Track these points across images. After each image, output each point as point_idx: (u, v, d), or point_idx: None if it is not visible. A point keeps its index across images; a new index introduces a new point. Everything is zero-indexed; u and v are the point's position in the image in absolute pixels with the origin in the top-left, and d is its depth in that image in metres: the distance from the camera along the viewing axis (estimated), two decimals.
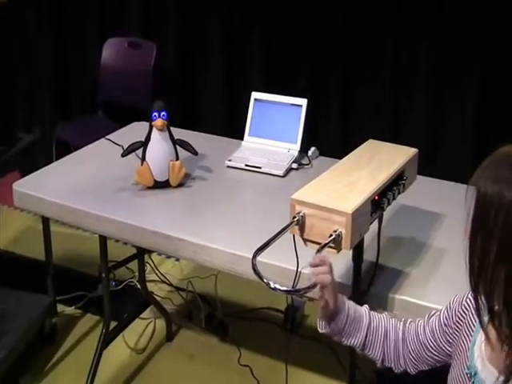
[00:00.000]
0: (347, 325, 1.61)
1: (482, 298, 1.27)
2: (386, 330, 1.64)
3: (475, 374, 1.35)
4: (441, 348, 1.55)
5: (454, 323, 1.50)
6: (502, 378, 1.28)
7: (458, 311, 1.49)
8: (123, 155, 2.70)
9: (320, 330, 1.65)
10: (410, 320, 1.66)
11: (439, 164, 3.80)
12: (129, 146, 2.70)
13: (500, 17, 3.59)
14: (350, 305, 1.63)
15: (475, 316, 1.43)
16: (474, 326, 1.43)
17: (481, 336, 1.38)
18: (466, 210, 1.25)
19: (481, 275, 1.24)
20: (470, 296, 1.46)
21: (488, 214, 1.19)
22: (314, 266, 1.56)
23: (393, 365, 1.66)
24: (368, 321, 1.63)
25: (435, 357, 1.57)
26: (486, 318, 1.29)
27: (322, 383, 3.21)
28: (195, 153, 2.75)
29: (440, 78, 3.81)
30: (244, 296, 3.78)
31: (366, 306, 1.68)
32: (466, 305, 1.47)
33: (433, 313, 1.61)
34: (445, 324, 1.53)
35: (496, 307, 1.25)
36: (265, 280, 1.60)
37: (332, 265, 1.57)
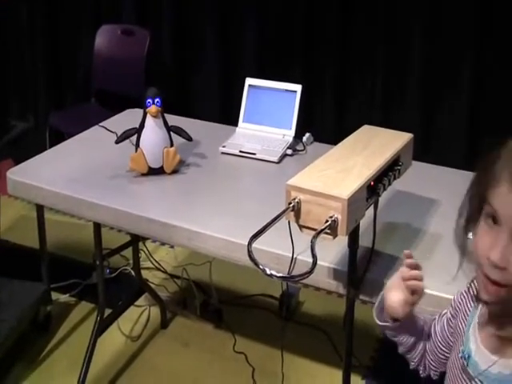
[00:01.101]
0: (409, 326, 1.59)
1: None
2: (428, 334, 1.63)
3: (469, 356, 1.35)
4: (448, 343, 1.54)
5: (455, 313, 1.50)
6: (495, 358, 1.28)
7: (457, 300, 1.49)
8: (117, 142, 2.69)
9: (378, 321, 1.61)
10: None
11: (434, 151, 3.80)
12: (123, 133, 2.69)
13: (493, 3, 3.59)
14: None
15: (471, 302, 1.43)
16: (469, 310, 1.43)
17: (475, 320, 1.39)
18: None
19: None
20: (467, 285, 1.46)
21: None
22: (410, 267, 1.53)
23: (421, 368, 1.66)
24: (421, 324, 1.62)
25: (447, 354, 1.56)
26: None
27: (317, 370, 3.21)
28: (189, 139, 2.74)
29: (434, 65, 3.82)
30: (239, 283, 3.78)
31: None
32: (465, 292, 1.47)
33: (443, 312, 1.60)
34: (449, 318, 1.54)
35: None
36: (261, 266, 1.59)
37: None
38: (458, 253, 1.33)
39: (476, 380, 1.32)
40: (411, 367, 1.67)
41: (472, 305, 1.43)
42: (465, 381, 1.35)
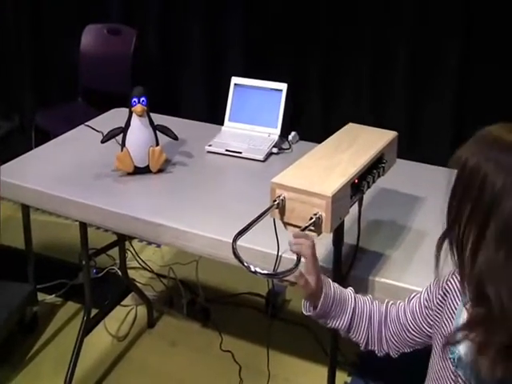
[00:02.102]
0: (333, 307, 1.61)
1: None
2: (370, 313, 1.64)
3: (459, 358, 1.35)
4: (421, 330, 1.55)
5: (434, 306, 1.50)
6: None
7: (439, 293, 1.49)
8: (103, 141, 2.69)
9: (305, 313, 1.64)
10: (391, 302, 1.67)
11: (418, 148, 3.81)
12: (108, 132, 2.69)
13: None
14: (335, 287, 1.62)
15: (457, 298, 1.43)
16: (455, 308, 1.42)
17: (463, 318, 1.38)
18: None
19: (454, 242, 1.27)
20: (450, 278, 1.46)
21: (466, 183, 1.22)
22: (296, 237, 1.56)
23: (376, 348, 1.66)
24: (353, 303, 1.63)
25: (416, 339, 1.58)
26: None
27: (303, 367, 3.22)
28: (175, 138, 2.74)
29: (419, 63, 3.82)
30: (225, 282, 3.78)
31: (350, 288, 1.68)
32: (447, 287, 1.47)
33: (413, 295, 1.61)
34: (425, 306, 1.54)
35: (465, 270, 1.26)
36: (245, 264, 1.59)
37: (315, 245, 1.57)
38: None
39: (466, 382, 1.32)
40: (362, 348, 1.68)
41: (458, 302, 1.42)
42: (453, 382, 1.35)
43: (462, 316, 1.38)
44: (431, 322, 1.52)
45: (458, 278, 1.39)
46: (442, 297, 1.47)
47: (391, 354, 1.65)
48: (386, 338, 1.64)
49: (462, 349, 1.35)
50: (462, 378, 1.34)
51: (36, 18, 4.85)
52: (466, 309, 1.36)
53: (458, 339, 1.29)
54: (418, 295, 1.58)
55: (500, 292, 1.17)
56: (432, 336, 1.51)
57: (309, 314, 1.64)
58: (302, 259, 1.56)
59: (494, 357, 1.19)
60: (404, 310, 1.61)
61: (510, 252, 1.16)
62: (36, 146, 3.07)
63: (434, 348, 1.49)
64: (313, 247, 1.55)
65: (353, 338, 1.66)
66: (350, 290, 1.66)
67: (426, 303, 1.54)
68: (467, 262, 1.23)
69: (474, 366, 1.29)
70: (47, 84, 5.00)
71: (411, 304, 1.60)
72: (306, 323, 3.38)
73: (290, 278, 1.59)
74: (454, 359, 1.36)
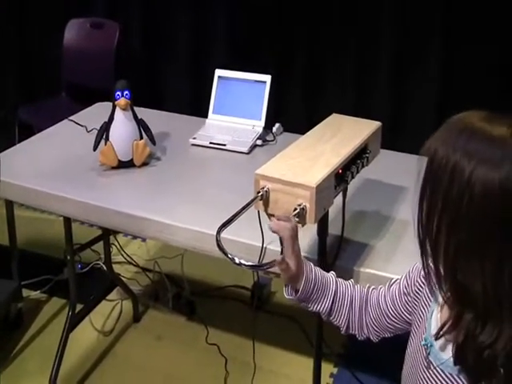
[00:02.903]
0: (314, 291, 1.60)
1: (430, 261, 1.28)
2: (351, 297, 1.64)
3: (431, 345, 1.36)
4: (401, 316, 1.56)
5: (413, 292, 1.51)
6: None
7: (417, 281, 1.50)
8: (94, 149, 2.65)
9: (286, 296, 1.63)
10: (372, 287, 1.67)
11: (402, 139, 3.82)
12: (96, 136, 2.65)
13: None
14: (317, 271, 1.62)
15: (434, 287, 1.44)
16: (431, 296, 1.44)
17: (437, 308, 1.40)
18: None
19: (426, 230, 1.27)
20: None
21: (436, 173, 1.22)
22: (278, 219, 1.56)
23: (356, 332, 1.67)
24: (335, 287, 1.63)
25: (396, 324, 1.58)
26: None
27: (289, 359, 3.22)
28: (153, 142, 2.73)
29: (402, 54, 3.83)
30: (211, 275, 3.78)
31: (332, 272, 1.68)
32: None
33: (394, 281, 1.61)
34: (404, 293, 1.54)
35: (441, 269, 1.26)
36: (229, 256, 1.59)
37: (297, 230, 1.56)
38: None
39: (437, 369, 1.33)
40: (343, 332, 1.68)
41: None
42: (426, 369, 1.36)
43: (437, 305, 1.40)
44: (410, 309, 1.53)
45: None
46: (420, 284, 1.49)
47: (371, 338, 1.66)
48: (366, 323, 1.64)
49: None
50: (433, 365, 1.34)
51: (19, 12, 4.82)
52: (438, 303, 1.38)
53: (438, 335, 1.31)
54: (398, 281, 1.59)
55: (478, 282, 1.18)
56: (411, 322, 1.52)
57: (290, 297, 1.63)
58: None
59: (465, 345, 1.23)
60: (384, 295, 1.61)
61: (483, 242, 1.16)
62: (19, 141, 3.05)
63: (411, 334, 1.50)
64: (292, 230, 1.54)
65: (334, 321, 1.66)
66: (331, 274, 1.66)
67: (405, 290, 1.54)
68: (442, 255, 1.23)
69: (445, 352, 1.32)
70: (30, 79, 4.98)
71: (391, 290, 1.60)
72: (291, 315, 3.39)
73: (275, 269, 1.58)
74: (426, 346, 1.37)
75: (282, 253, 1.54)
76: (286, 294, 1.64)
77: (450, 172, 1.18)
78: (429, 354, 1.36)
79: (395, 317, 1.57)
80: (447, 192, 1.19)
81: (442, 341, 1.34)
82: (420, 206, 1.27)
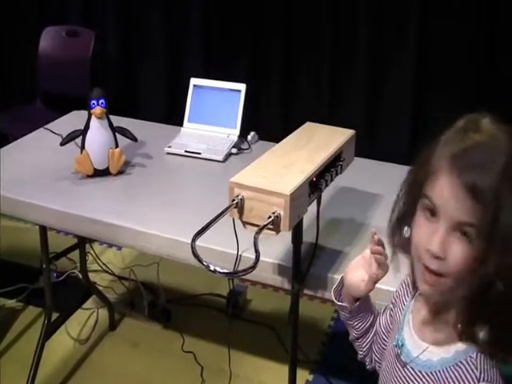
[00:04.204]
0: (365, 310, 1.62)
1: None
2: (375, 327, 1.66)
3: (402, 344, 1.39)
4: (389, 333, 1.58)
5: (393, 304, 1.54)
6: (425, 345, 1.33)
7: (396, 292, 1.53)
8: (62, 144, 2.68)
9: (336, 301, 1.64)
10: None
11: (377, 147, 3.85)
12: (68, 135, 2.67)
13: None
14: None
15: (408, 293, 1.48)
16: (406, 300, 1.47)
17: (409, 310, 1.43)
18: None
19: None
20: (408, 277, 1.50)
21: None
22: (377, 242, 1.54)
23: (368, 360, 1.68)
24: (376, 313, 1.65)
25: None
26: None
27: (265, 366, 3.23)
28: (134, 139, 2.74)
29: (378, 61, 3.86)
30: (186, 283, 3.79)
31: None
32: (403, 284, 1.51)
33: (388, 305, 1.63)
34: (391, 309, 1.57)
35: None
36: (204, 263, 1.60)
37: None
38: (390, 247, 1.39)
39: (408, 367, 1.36)
40: (359, 358, 1.70)
41: (409, 295, 1.47)
42: (398, 368, 1.39)
43: (409, 308, 1.43)
44: (391, 320, 1.55)
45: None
46: (398, 293, 1.53)
47: (376, 367, 1.66)
48: (373, 349, 1.66)
49: (406, 335, 1.40)
50: (403, 363, 1.37)
51: None
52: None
53: None
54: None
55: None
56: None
57: (340, 304, 1.63)
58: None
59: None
60: (379, 319, 1.64)
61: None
62: None
63: (388, 341, 1.52)
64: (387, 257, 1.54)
65: (358, 344, 1.68)
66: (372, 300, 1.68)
67: (391, 305, 1.57)
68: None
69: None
70: (4, 86, 4.96)
71: (384, 313, 1.63)
72: (267, 322, 3.40)
73: (250, 276, 1.59)
74: (398, 346, 1.40)
75: (254, 265, 1.55)
76: (335, 299, 1.64)
77: (425, 163, 1.24)
78: (400, 353, 1.38)
79: (386, 334, 1.59)
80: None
81: (412, 340, 1.37)
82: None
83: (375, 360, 1.66)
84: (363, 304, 1.60)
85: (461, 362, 1.26)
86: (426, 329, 1.36)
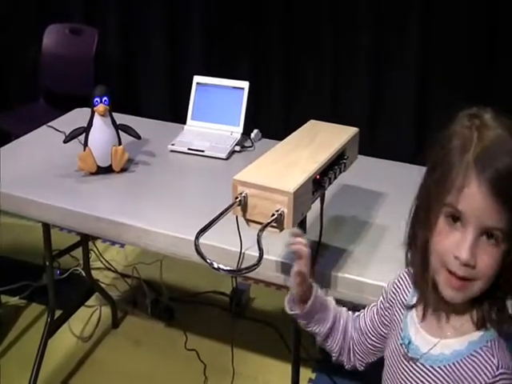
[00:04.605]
0: (319, 311, 1.61)
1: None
2: (345, 323, 1.64)
3: (409, 342, 1.39)
4: (379, 333, 1.57)
5: (387, 302, 1.53)
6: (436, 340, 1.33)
7: (391, 290, 1.52)
8: (65, 141, 2.67)
9: (289, 312, 1.63)
10: (356, 314, 1.68)
11: (380, 144, 3.85)
12: (70, 132, 2.67)
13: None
14: (320, 292, 1.63)
15: (407, 291, 1.47)
16: (405, 299, 1.47)
17: (411, 314, 1.43)
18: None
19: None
20: (401, 275, 1.51)
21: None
22: (293, 235, 1.57)
23: (345, 359, 1.67)
24: (334, 312, 1.64)
25: (376, 343, 1.59)
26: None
27: (268, 364, 3.23)
28: (138, 137, 2.74)
29: (380, 58, 3.86)
30: (189, 281, 3.79)
31: (331, 297, 1.69)
32: (398, 283, 1.51)
33: (372, 304, 1.63)
34: (381, 308, 1.56)
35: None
36: (208, 260, 1.60)
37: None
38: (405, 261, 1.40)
39: (418, 364, 1.36)
40: (333, 359, 1.69)
41: (408, 294, 1.47)
42: (406, 366, 1.38)
43: (411, 313, 1.43)
44: (386, 322, 1.54)
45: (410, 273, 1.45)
46: (394, 292, 1.51)
47: (357, 365, 1.66)
48: (352, 349, 1.65)
49: (412, 333, 1.40)
50: (413, 360, 1.37)
51: None
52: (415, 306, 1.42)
53: None
54: (376, 302, 1.61)
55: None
56: (387, 334, 1.54)
57: (293, 312, 1.62)
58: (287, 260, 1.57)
59: None
60: (364, 316, 1.63)
61: None
62: None
63: (388, 340, 1.52)
64: (307, 246, 1.56)
65: (328, 346, 1.66)
66: (331, 299, 1.67)
67: (381, 304, 1.57)
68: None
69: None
70: (7, 85, 4.96)
71: (370, 311, 1.62)
72: (270, 321, 3.40)
73: (253, 274, 1.59)
74: (405, 344, 1.40)
75: (258, 263, 1.55)
76: (288, 309, 1.64)
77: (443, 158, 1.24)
78: (408, 351, 1.38)
79: (374, 334, 1.58)
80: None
81: (420, 336, 1.37)
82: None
83: (358, 359, 1.65)
84: (314, 306, 1.60)
85: (476, 352, 1.27)
86: (434, 323, 1.36)
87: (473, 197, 1.17)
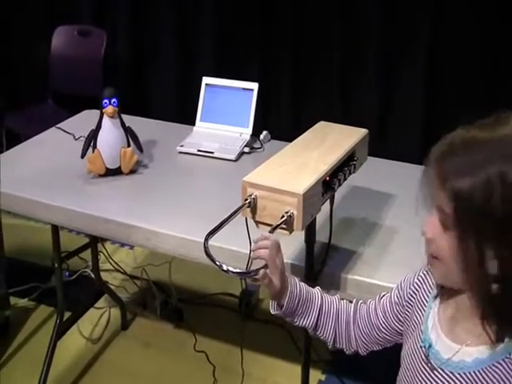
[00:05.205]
0: (299, 305, 1.61)
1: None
2: (337, 312, 1.64)
3: (430, 346, 1.37)
4: (392, 328, 1.56)
5: (405, 301, 1.52)
6: (457, 347, 1.31)
7: (410, 289, 1.51)
8: (82, 157, 2.65)
9: (272, 312, 1.64)
10: (360, 301, 1.67)
11: (389, 145, 3.84)
12: (84, 144, 2.65)
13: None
14: (302, 286, 1.62)
15: (428, 291, 1.46)
16: (426, 301, 1.45)
17: (434, 310, 1.41)
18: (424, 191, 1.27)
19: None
20: (421, 274, 1.49)
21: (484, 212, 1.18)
22: (256, 241, 1.57)
23: (344, 346, 1.67)
24: (320, 302, 1.64)
25: (387, 337, 1.59)
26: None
27: (277, 366, 3.22)
28: (141, 149, 2.73)
29: (390, 58, 3.85)
30: (198, 282, 3.78)
31: (318, 287, 1.68)
32: (418, 282, 1.50)
33: (383, 294, 1.62)
34: (396, 303, 1.55)
35: None
36: (217, 262, 1.59)
37: (279, 244, 1.56)
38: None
39: (438, 370, 1.34)
40: (329, 347, 1.69)
41: (429, 294, 1.45)
42: (426, 370, 1.37)
43: (433, 309, 1.41)
44: (402, 319, 1.53)
45: (430, 273, 1.44)
46: (414, 291, 1.50)
47: (360, 352, 1.66)
48: (355, 337, 1.64)
49: (433, 336, 1.38)
50: (433, 365, 1.36)
51: (5, 18, 4.81)
52: (436, 306, 1.40)
53: None
54: (388, 294, 1.60)
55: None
56: (403, 331, 1.53)
57: (276, 312, 1.64)
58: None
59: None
60: (375, 308, 1.62)
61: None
62: (7, 148, 3.05)
63: (404, 340, 1.51)
64: (273, 248, 1.54)
65: (320, 336, 1.67)
66: (317, 289, 1.67)
67: (396, 300, 1.55)
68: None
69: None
70: (16, 86, 4.97)
71: (382, 302, 1.61)
72: (279, 322, 3.38)
73: (261, 281, 1.58)
74: (425, 347, 1.38)
75: (266, 265, 1.55)
76: (271, 310, 1.64)
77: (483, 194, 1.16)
78: (428, 355, 1.37)
79: (386, 328, 1.58)
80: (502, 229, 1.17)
81: (441, 341, 1.36)
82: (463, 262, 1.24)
83: (362, 346, 1.65)
84: (292, 303, 1.60)
85: (498, 363, 1.26)
86: (456, 330, 1.34)
87: (431, 178, 1.21)
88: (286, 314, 1.63)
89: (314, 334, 1.68)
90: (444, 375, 1.33)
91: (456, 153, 1.20)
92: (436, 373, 1.35)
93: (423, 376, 1.38)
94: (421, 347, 1.40)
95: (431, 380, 1.36)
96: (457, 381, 1.31)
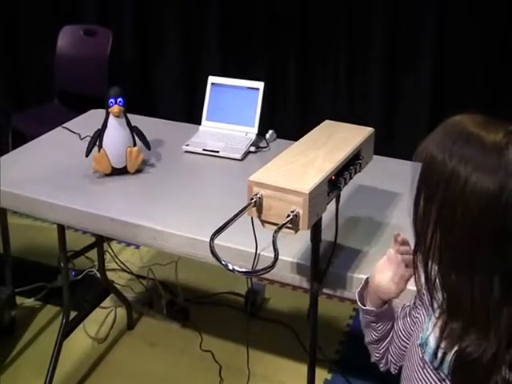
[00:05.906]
0: (391, 311, 1.62)
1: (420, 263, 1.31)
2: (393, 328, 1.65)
3: (426, 344, 1.37)
4: (408, 332, 1.56)
5: (420, 300, 1.52)
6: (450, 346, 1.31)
7: (424, 290, 1.51)
8: (87, 155, 2.66)
9: (360, 305, 1.63)
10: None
11: (395, 144, 3.83)
12: (89, 143, 2.66)
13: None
14: None
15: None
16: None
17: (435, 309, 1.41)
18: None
19: (420, 238, 1.27)
20: None
21: (431, 178, 1.22)
22: (399, 243, 1.55)
23: (383, 362, 1.67)
24: (395, 315, 1.64)
25: (407, 345, 1.58)
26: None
27: (283, 365, 3.22)
28: (148, 147, 2.73)
29: (395, 58, 3.85)
30: (204, 282, 3.78)
31: None
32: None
33: (406, 304, 1.61)
34: (412, 309, 1.56)
35: (432, 273, 1.28)
36: (223, 262, 1.60)
37: None
38: None
39: (431, 368, 1.34)
40: (373, 360, 1.68)
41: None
42: (421, 368, 1.37)
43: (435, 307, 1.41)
44: (414, 320, 1.53)
45: None
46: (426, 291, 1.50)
47: (392, 369, 1.66)
48: (388, 350, 1.65)
49: (431, 337, 1.37)
50: (427, 364, 1.35)
51: (10, 18, 4.82)
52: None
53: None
54: (410, 302, 1.60)
55: (467, 293, 1.19)
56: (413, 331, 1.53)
57: (366, 308, 1.62)
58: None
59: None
60: (398, 317, 1.62)
61: (475, 253, 1.17)
62: (13, 148, 3.05)
63: (411, 338, 1.51)
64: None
65: (375, 348, 1.67)
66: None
67: (414, 304, 1.55)
68: (434, 261, 1.25)
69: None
70: (22, 86, 4.98)
71: (402, 311, 1.61)
72: (285, 321, 3.39)
73: (267, 276, 1.58)
74: (422, 345, 1.39)
75: (273, 264, 1.55)
76: (360, 304, 1.64)
77: (446, 179, 1.18)
78: (424, 353, 1.37)
79: (404, 334, 1.58)
80: (443, 200, 1.19)
81: (435, 340, 1.35)
82: (414, 213, 1.27)
83: (391, 361, 1.65)
84: (390, 307, 1.60)
85: None
86: (450, 328, 1.33)
87: None
88: (376, 315, 1.61)
89: (372, 343, 1.67)
90: (437, 375, 1.33)
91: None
92: (429, 371, 1.35)
93: (418, 374, 1.38)
94: (419, 345, 1.40)
95: (424, 378, 1.36)
96: (448, 380, 1.31)
